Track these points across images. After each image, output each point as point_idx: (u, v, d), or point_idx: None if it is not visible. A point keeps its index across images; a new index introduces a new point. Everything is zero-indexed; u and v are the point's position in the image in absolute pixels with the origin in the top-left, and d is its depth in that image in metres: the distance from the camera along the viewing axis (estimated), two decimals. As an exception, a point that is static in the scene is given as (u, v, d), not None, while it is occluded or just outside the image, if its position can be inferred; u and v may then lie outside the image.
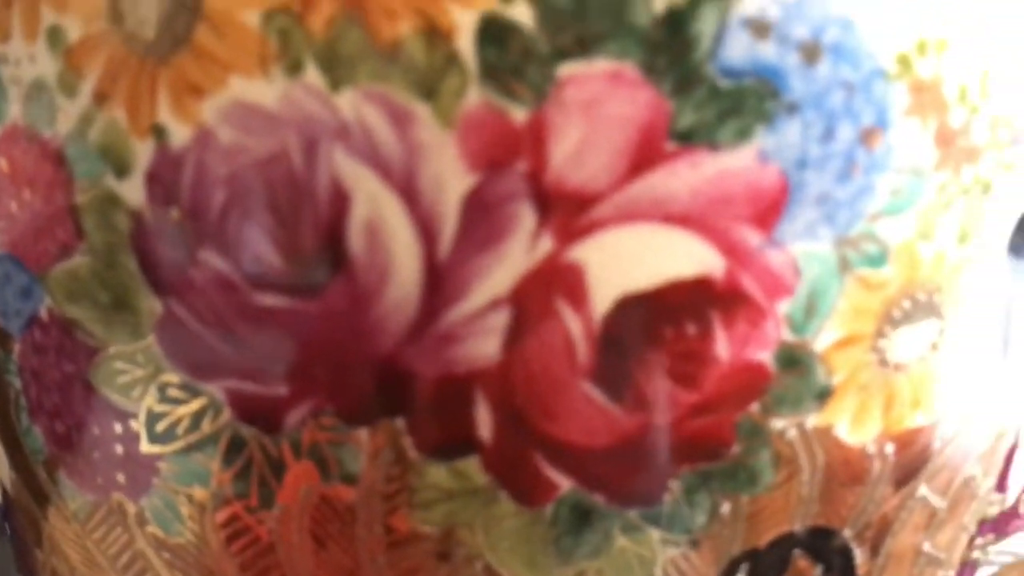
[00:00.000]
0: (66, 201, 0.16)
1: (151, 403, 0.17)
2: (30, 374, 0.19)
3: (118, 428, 0.17)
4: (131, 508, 0.18)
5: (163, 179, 0.15)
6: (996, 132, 0.16)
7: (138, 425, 0.17)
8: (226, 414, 0.16)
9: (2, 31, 0.16)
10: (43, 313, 0.18)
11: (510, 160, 0.14)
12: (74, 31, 0.15)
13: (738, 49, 0.14)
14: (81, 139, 0.16)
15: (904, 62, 0.15)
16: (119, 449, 0.18)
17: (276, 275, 0.15)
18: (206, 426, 0.17)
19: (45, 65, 0.16)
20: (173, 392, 0.17)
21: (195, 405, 0.17)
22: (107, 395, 0.17)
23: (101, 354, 0.17)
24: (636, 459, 0.16)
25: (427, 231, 0.14)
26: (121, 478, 0.18)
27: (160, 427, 0.17)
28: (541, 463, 0.16)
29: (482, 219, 0.14)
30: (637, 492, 0.16)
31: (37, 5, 0.16)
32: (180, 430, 0.17)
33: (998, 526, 0.19)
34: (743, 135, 0.14)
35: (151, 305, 0.16)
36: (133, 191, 0.16)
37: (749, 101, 0.14)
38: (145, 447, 0.17)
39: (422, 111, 0.14)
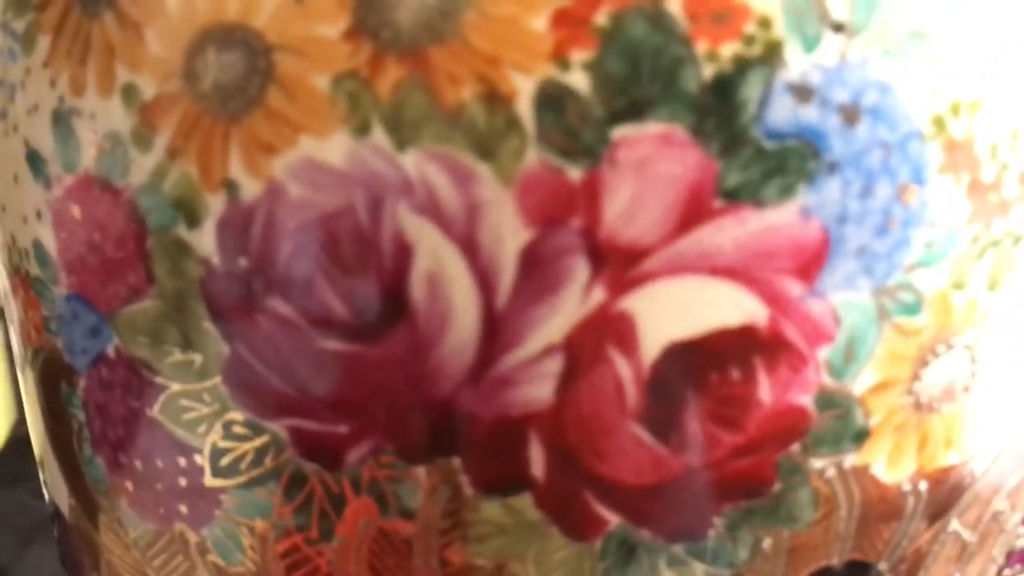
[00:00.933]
0: (138, 248, 0.17)
1: (216, 439, 0.18)
2: (95, 408, 0.20)
3: (182, 462, 0.18)
4: (193, 538, 0.19)
5: (233, 230, 0.16)
6: (1026, 186, 0.16)
7: (202, 459, 0.18)
8: (288, 451, 0.17)
9: (76, 86, 0.17)
10: (110, 351, 0.19)
11: (565, 216, 0.15)
12: (149, 89, 0.16)
13: (782, 113, 0.15)
14: (154, 191, 0.17)
15: (939, 123, 0.15)
16: (183, 482, 0.19)
17: (340, 322, 0.16)
18: (268, 462, 0.17)
19: (119, 120, 0.17)
20: (237, 429, 0.18)
21: (258, 442, 0.17)
22: (172, 430, 0.18)
23: (167, 392, 0.18)
24: (681, 497, 0.16)
25: (486, 282, 0.15)
26: (184, 509, 0.19)
27: (224, 462, 0.18)
28: (590, 500, 0.17)
29: (538, 271, 0.15)
30: (682, 528, 0.17)
31: (112, 63, 0.17)
32: (243, 465, 0.18)
33: (1025, 558, 0.20)
34: (786, 192, 0.15)
35: (218, 347, 0.17)
36: (204, 240, 0.16)
37: (792, 161, 0.15)
38: (209, 480, 0.18)
39: (483, 170, 0.15)
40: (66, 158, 0.18)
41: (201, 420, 0.18)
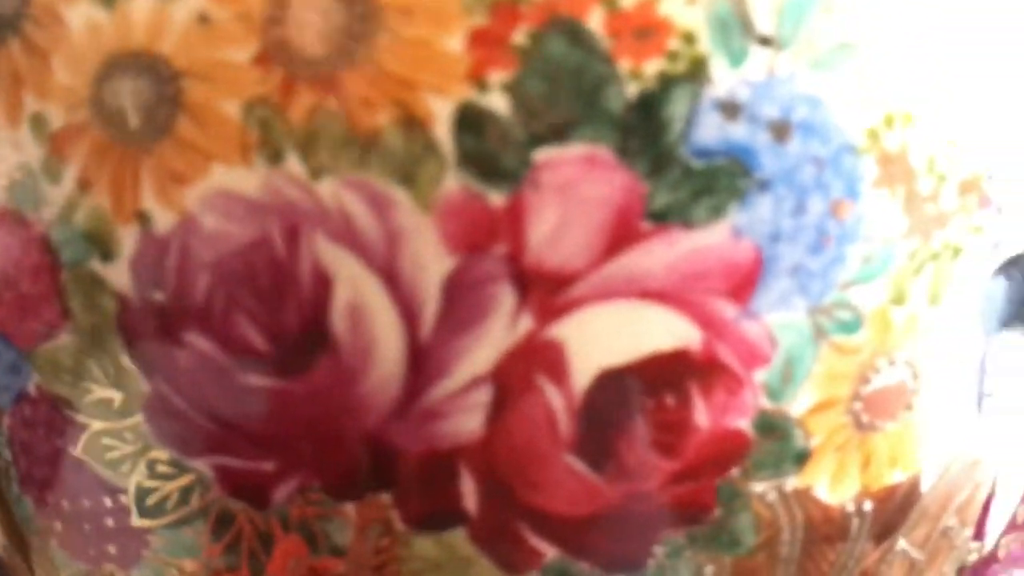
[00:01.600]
0: (52, 283, 0.16)
1: (140, 479, 0.17)
2: (19, 446, 0.19)
3: (108, 502, 0.18)
4: (123, 579, 0.18)
5: (147, 263, 0.15)
6: (964, 197, 0.16)
7: (128, 499, 0.17)
8: (214, 489, 0.16)
9: (-15, 116, 0.16)
10: (31, 389, 0.18)
11: (489, 243, 0.14)
12: (57, 119, 0.15)
13: (709, 130, 0.14)
14: (66, 224, 0.16)
15: (872, 136, 0.15)
16: (110, 522, 0.18)
17: (261, 356, 0.15)
18: (195, 501, 0.17)
19: (29, 151, 0.16)
20: (162, 468, 0.17)
21: (183, 481, 0.17)
22: (97, 470, 0.17)
23: (89, 431, 0.17)
24: (619, 526, 0.16)
25: (409, 312, 0.15)
26: (112, 549, 0.18)
27: (150, 501, 0.17)
28: (526, 532, 0.16)
29: (463, 300, 0.15)
30: (621, 558, 0.16)
31: (19, 92, 0.16)
32: (169, 505, 0.17)
33: (977, 572, 0.19)
34: (717, 212, 0.14)
35: (138, 384, 0.16)
36: (118, 275, 0.16)
37: (722, 180, 0.14)
38: (136, 521, 0.17)
39: (401, 197, 0.14)
40: (-23, 190, 0.17)
41: (124, 459, 0.17)
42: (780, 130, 0.14)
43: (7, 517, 0.20)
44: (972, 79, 0.16)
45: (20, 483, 0.19)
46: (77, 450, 0.17)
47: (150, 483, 0.17)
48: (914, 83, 0.15)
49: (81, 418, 0.17)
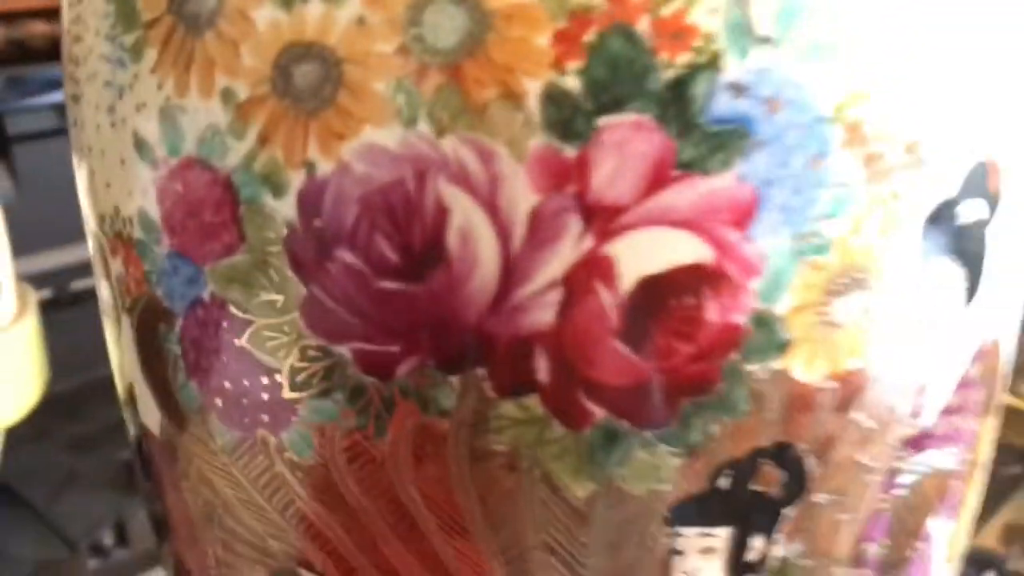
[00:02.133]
0: (232, 214, 0.22)
1: (293, 361, 0.23)
2: (190, 342, 0.24)
3: (265, 380, 0.23)
4: (272, 440, 0.24)
5: (310, 199, 0.21)
6: (904, 157, 0.21)
7: (282, 378, 0.23)
8: (351, 368, 0.22)
9: (181, 89, 0.22)
10: (205, 296, 0.23)
11: (563, 185, 0.20)
12: (243, 92, 0.21)
13: (722, 105, 0.20)
14: (247, 170, 0.21)
15: (839, 110, 0.20)
16: (265, 396, 0.23)
17: (394, 266, 0.21)
18: (336, 377, 0.22)
19: (218, 116, 0.21)
20: (311, 353, 0.22)
21: (328, 362, 0.22)
22: (258, 356, 0.23)
23: (254, 325, 0.23)
24: (650, 394, 0.21)
25: (504, 235, 0.20)
26: (265, 418, 0.24)
27: (300, 379, 0.23)
28: (582, 398, 0.21)
29: (543, 226, 0.20)
30: (651, 418, 0.22)
31: (212, 72, 0.21)
32: (315, 380, 0.22)
33: (915, 443, 0.25)
34: (726, 164, 0.20)
35: (297, 289, 0.22)
36: (287, 208, 0.21)
37: (730, 140, 0.20)
38: (287, 394, 0.23)
39: (502, 151, 0.20)
40: (171, 145, 0.22)
41: (281, 347, 0.23)
42: (772, 105, 0.20)
43: (170, 401, 0.26)
44: (911, 70, 0.21)
45: (188, 372, 0.25)
46: (242, 341, 0.23)
47: (300, 364, 0.22)
48: (869, 71, 0.21)
49: (248, 316, 0.23)
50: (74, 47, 0.25)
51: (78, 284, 0.86)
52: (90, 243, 0.28)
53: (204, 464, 0.26)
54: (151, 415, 0.27)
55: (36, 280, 0.69)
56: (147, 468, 0.29)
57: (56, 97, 0.79)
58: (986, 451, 0.29)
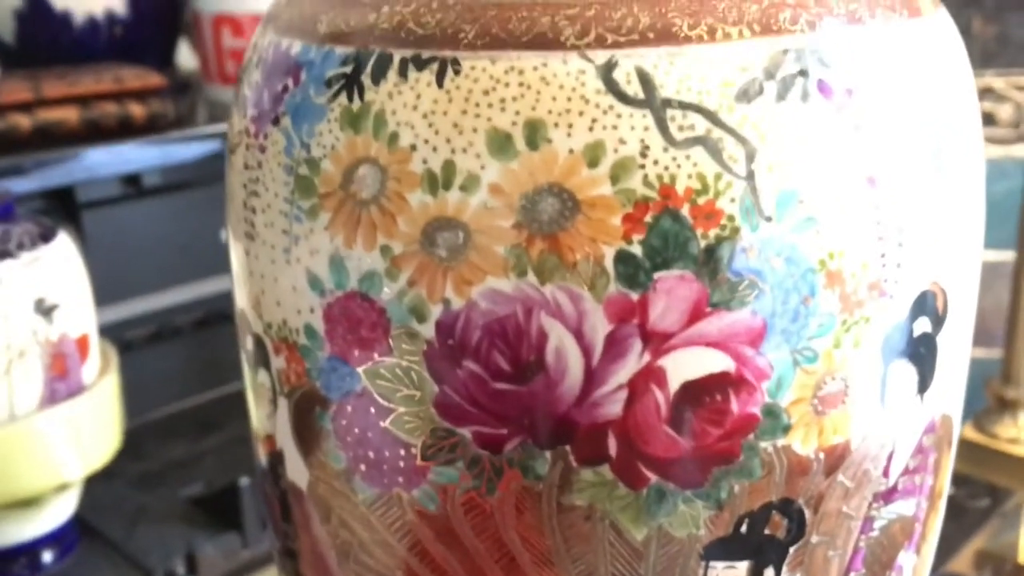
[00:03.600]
0: (384, 333, 0.30)
1: (426, 439, 0.31)
2: (340, 424, 0.32)
3: (402, 452, 0.31)
4: (405, 496, 0.32)
5: (446, 325, 0.29)
6: (872, 292, 0.30)
7: (416, 451, 0.31)
8: (471, 445, 0.30)
9: (348, 242, 0.30)
10: (358, 389, 0.31)
11: (630, 318, 0.28)
12: (397, 248, 0.29)
13: (741, 262, 0.28)
14: (398, 303, 0.30)
15: (822, 263, 0.29)
16: (401, 464, 0.32)
17: (506, 373, 0.29)
18: (458, 451, 0.30)
19: (377, 264, 0.30)
20: (440, 433, 0.31)
21: (453, 440, 0.30)
22: (397, 435, 0.31)
23: (396, 412, 0.31)
24: (690, 464, 0.30)
25: (587, 352, 0.29)
26: (400, 479, 0.32)
27: (430, 452, 0.31)
28: (641, 467, 0.30)
29: (614, 346, 0.28)
30: (690, 481, 0.30)
31: (375, 233, 0.30)
32: (442, 453, 0.31)
33: (885, 497, 0.33)
34: (743, 303, 0.28)
35: (431, 388, 0.30)
36: (427, 330, 0.29)
37: (746, 287, 0.28)
38: (419, 463, 0.31)
39: (587, 295, 0.28)
40: (338, 281, 0.31)
41: (416, 428, 0.31)
42: (776, 262, 0.28)
43: (319, 465, 0.34)
44: (878, 229, 0.29)
45: (339, 443, 0.33)
46: (386, 423, 0.31)
47: (431, 441, 0.31)
48: (844, 234, 0.29)
49: (391, 405, 0.31)
50: (251, 199, 0.33)
51: (132, 334, 0.94)
52: (247, 340, 0.36)
53: (345, 512, 0.34)
54: (298, 473, 0.35)
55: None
56: (287, 512, 0.37)
57: (122, 169, 0.87)
58: (941, 497, 0.37)
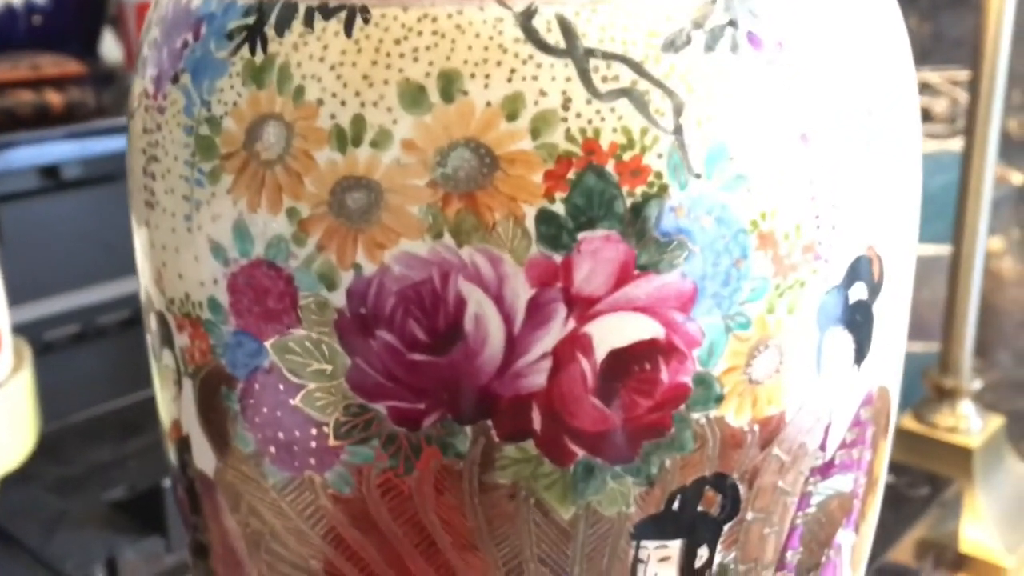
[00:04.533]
0: (292, 303, 0.28)
1: (339, 416, 0.29)
2: (249, 402, 0.30)
3: (313, 431, 0.29)
4: (318, 479, 0.30)
5: (357, 292, 0.27)
6: (805, 255, 0.29)
7: (328, 429, 0.29)
8: (386, 421, 0.28)
9: (252, 206, 0.28)
10: (266, 364, 0.29)
11: (552, 282, 0.27)
12: (305, 211, 0.27)
13: (669, 222, 0.27)
14: (307, 270, 0.28)
15: (754, 224, 0.28)
16: (313, 444, 0.30)
17: (422, 343, 0.27)
18: (373, 428, 0.29)
19: (283, 228, 0.28)
20: (353, 409, 0.29)
21: (367, 416, 0.29)
22: (309, 413, 0.29)
23: (306, 389, 0.29)
24: (618, 438, 0.28)
25: (508, 319, 0.27)
26: (312, 461, 0.30)
27: (343, 430, 0.29)
28: (567, 442, 0.28)
29: (537, 312, 0.27)
30: (619, 456, 0.29)
31: (280, 195, 0.28)
32: (356, 431, 0.29)
33: (822, 471, 0.32)
34: (672, 265, 0.27)
35: (344, 360, 0.28)
36: (338, 299, 0.28)
37: (675, 248, 0.27)
38: (332, 442, 0.29)
39: (507, 258, 0.26)
40: (242, 248, 0.29)
41: (328, 405, 0.29)
42: (706, 221, 0.27)
43: (227, 449, 0.32)
44: (809, 189, 0.28)
45: (247, 424, 0.31)
46: (296, 401, 0.29)
47: (344, 419, 0.29)
48: (777, 193, 0.28)
49: (301, 381, 0.29)
50: (150, 165, 0.31)
51: (53, 334, 0.90)
52: (151, 320, 0.34)
53: (255, 499, 0.32)
54: (206, 459, 0.33)
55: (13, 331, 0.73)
56: (195, 503, 0.35)
57: (39, 161, 0.84)
58: (880, 475, 0.36)
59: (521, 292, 0.27)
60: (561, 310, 0.27)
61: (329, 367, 0.28)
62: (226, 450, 0.32)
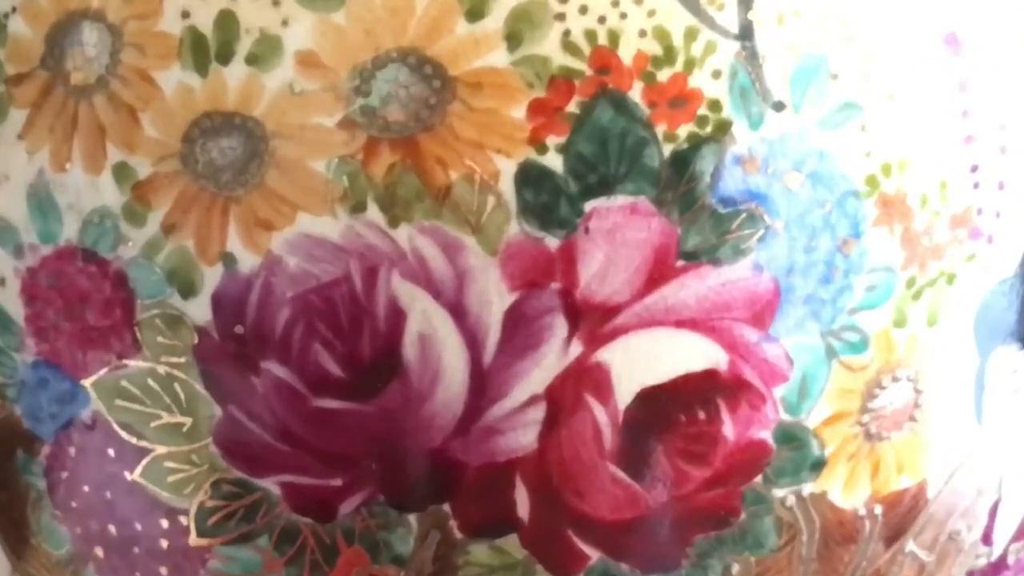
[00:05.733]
0: (125, 316, 0.28)
1: (204, 499, 0.29)
2: (59, 475, 0.30)
3: (165, 524, 0.29)
4: (173, 600, 0.30)
5: (229, 300, 0.27)
6: (956, 231, 0.28)
7: (188, 520, 0.29)
8: (280, 506, 0.28)
9: (59, 161, 0.28)
10: (85, 416, 0.29)
11: (545, 280, 0.26)
12: (143, 169, 0.27)
13: (732, 182, 0.27)
14: (147, 263, 0.27)
15: (872, 182, 0.27)
16: (164, 543, 0.29)
17: (335, 381, 0.27)
18: (259, 518, 0.29)
19: (109, 196, 0.28)
20: (227, 488, 0.28)
21: (249, 499, 0.28)
22: (155, 493, 0.29)
23: (151, 455, 0.29)
24: (656, 530, 0.28)
25: (473, 341, 0.27)
26: (164, 571, 0.30)
27: (212, 521, 0.29)
28: (572, 537, 0.28)
29: (521, 330, 0.27)
30: (658, 559, 0.28)
31: (103, 142, 0.27)
32: (232, 523, 0.29)
33: (987, 577, 0.32)
34: (740, 251, 0.27)
35: (210, 410, 0.28)
36: (198, 310, 0.27)
37: (743, 223, 0.27)
38: (194, 540, 0.29)
39: (470, 242, 0.26)
40: (44, 229, 0.28)
41: (188, 481, 0.29)
42: (793, 180, 0.27)
43: (25, 547, 0.32)
44: (957, 129, 0.28)
45: (56, 513, 0.31)
46: (135, 474, 0.29)
47: (214, 503, 0.29)
48: (909, 133, 0.28)
49: (143, 443, 0.29)
50: None
51: None
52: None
53: (75, 633, 0.32)
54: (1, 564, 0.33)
55: None
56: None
57: None
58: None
59: (495, 297, 0.26)
60: (560, 326, 0.27)
61: (186, 420, 0.28)
62: (24, 551, 0.32)
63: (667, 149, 0.26)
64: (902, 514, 0.30)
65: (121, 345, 0.28)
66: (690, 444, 0.28)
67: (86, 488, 0.30)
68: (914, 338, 0.29)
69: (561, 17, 0.26)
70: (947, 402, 0.30)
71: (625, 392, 0.27)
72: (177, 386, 0.28)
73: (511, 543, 0.28)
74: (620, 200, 0.26)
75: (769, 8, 0.26)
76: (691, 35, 0.26)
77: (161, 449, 0.29)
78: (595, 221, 0.26)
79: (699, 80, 0.26)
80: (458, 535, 0.28)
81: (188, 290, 0.27)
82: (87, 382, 0.29)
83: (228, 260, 0.27)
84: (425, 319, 0.27)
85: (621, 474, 0.28)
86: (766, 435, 0.28)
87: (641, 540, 0.28)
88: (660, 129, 0.26)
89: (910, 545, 0.30)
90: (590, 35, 0.26)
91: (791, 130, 0.27)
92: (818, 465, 0.28)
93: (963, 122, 0.28)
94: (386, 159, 0.26)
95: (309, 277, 0.27)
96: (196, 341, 0.28)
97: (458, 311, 0.27)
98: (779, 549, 0.29)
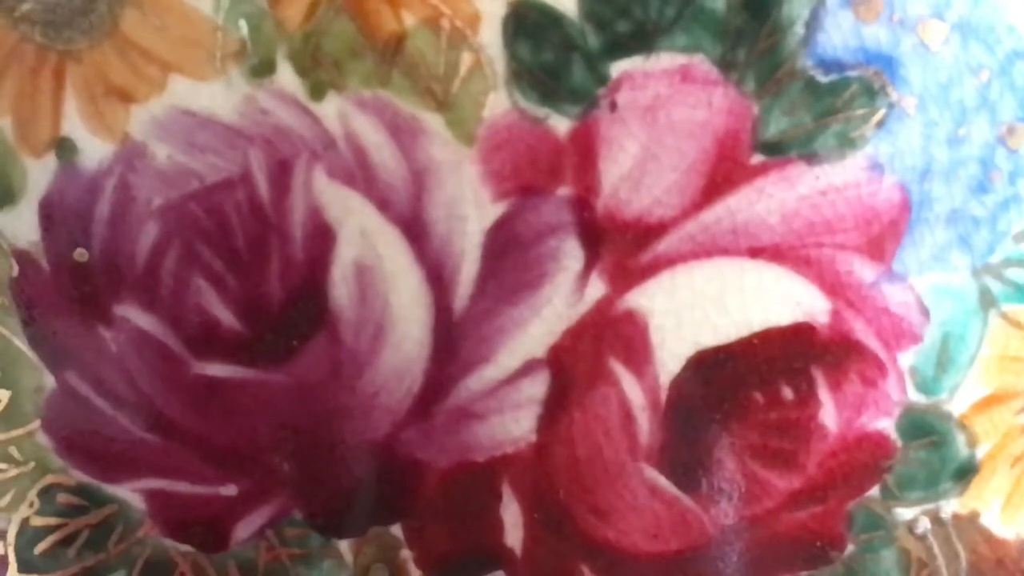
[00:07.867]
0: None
1: (29, 514, 0.27)
2: None
3: (-29, 552, 0.28)
4: (-16, 668, 0.29)
5: (66, 210, 0.26)
6: None
7: (5, 546, 0.28)
8: (145, 527, 0.27)
9: None
10: None
11: (550, 183, 0.25)
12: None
13: (839, 34, 0.25)
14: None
15: (1056, 35, 0.26)
16: (-30, 582, 0.28)
17: (227, 336, 0.26)
18: (112, 545, 0.27)
19: None
20: (64, 498, 0.27)
21: (97, 516, 0.27)
22: (-43, 506, 0.28)
23: (-50, 447, 0.28)
24: (719, 567, 0.27)
25: (438, 276, 0.25)
26: (-30, 625, 0.28)
27: (42, 547, 0.27)
28: (586, 574, 0.27)
29: (512, 260, 0.25)
30: (719, 612, 0.27)
31: None
32: (72, 551, 0.27)
33: None
34: (849, 143, 0.25)
35: (37, 379, 0.27)
36: (19, 224, 0.26)
37: (856, 99, 0.25)
38: (14, 574, 0.28)
39: (433, 123, 0.25)
40: None
41: (6, 486, 0.27)
42: (931, 32, 0.25)
43: None
44: None
45: None
46: (-74, 477, 0.28)
47: (44, 521, 0.27)
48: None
49: (-61, 430, 0.28)
50: None
51: None
52: None
53: None
54: None
55: None
56: None
57: None
58: None
59: (470, 210, 0.25)
60: (571, 255, 0.25)
61: (4, 394, 0.27)
62: None
63: (738, -23, 0.25)
64: (1093, 548, 0.28)
65: (-98, 279, 0.27)
66: (770, 438, 0.26)
67: None
68: (1115, 280, 0.27)
69: None
70: None
71: (670, 357, 0.26)
72: (-12, 343, 0.27)
73: (495, 585, 0.27)
74: (665, 60, 0.25)
75: None
76: None
77: (-35, 439, 0.27)
78: (627, 93, 0.25)
79: None
80: (415, 572, 0.27)
81: (4, 194, 0.26)
82: None
83: (64, 149, 0.26)
84: (364, 242, 0.25)
85: (664, 482, 0.26)
86: (886, 425, 0.26)
87: (695, 582, 0.27)
88: (727, -49, 0.25)
89: (1104, 595, 0.29)
90: None
91: (931, -49, 0.25)
92: (966, 472, 0.27)
93: None
94: (304, -6, 0.25)
95: (188, 176, 0.25)
96: (15, 273, 0.26)
97: (415, 230, 0.25)
98: (905, 597, 0.27)
